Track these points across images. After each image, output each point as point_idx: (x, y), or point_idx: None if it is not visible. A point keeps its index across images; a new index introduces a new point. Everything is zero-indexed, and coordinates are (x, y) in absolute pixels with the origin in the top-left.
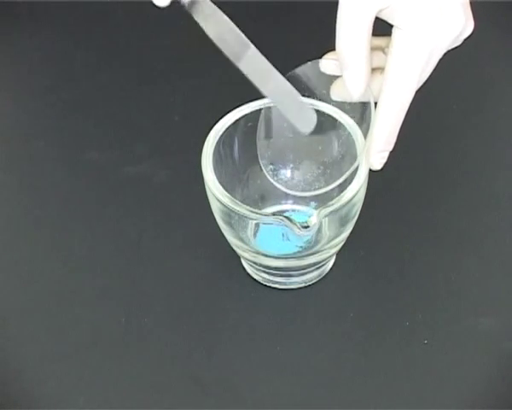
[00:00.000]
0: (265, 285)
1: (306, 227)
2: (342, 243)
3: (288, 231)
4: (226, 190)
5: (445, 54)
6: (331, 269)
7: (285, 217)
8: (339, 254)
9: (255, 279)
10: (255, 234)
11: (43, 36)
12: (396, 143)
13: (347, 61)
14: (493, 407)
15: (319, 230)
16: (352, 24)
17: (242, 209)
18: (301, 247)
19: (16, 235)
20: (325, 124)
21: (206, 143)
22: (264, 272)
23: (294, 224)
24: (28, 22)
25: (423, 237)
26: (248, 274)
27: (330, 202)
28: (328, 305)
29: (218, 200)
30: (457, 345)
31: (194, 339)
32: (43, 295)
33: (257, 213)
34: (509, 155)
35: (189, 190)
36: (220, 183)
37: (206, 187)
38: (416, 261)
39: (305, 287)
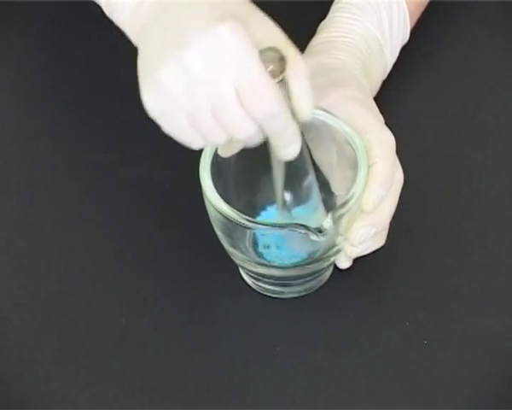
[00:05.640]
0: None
1: (321, 232)
2: (338, 251)
3: (299, 238)
4: (225, 198)
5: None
6: (331, 270)
7: (299, 224)
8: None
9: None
10: (253, 244)
11: (43, 36)
12: (396, 144)
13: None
14: (493, 406)
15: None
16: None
17: (253, 224)
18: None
19: (16, 235)
20: (323, 132)
21: (203, 156)
22: (263, 281)
23: (310, 230)
24: (28, 22)
25: (423, 237)
26: None
27: (340, 204)
28: (328, 305)
29: (221, 213)
30: (457, 345)
31: (194, 339)
32: (43, 295)
33: (270, 225)
34: (508, 156)
35: (188, 190)
36: (219, 193)
37: (206, 199)
38: (415, 261)
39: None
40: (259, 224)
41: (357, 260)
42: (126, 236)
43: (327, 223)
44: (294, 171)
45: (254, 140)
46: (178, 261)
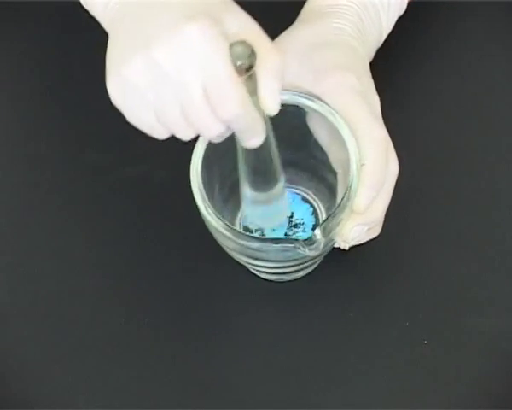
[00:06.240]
0: (266, 280)
1: (312, 244)
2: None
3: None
4: (218, 194)
5: None
6: (331, 269)
7: (289, 239)
8: (340, 253)
9: (257, 276)
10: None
11: (43, 36)
12: (396, 145)
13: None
14: (493, 407)
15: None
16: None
17: (244, 240)
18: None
19: (16, 235)
20: (315, 120)
21: (193, 157)
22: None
23: (300, 244)
24: (28, 22)
25: (423, 236)
26: (248, 274)
27: (328, 216)
28: (328, 305)
29: (213, 227)
30: (457, 345)
31: (194, 339)
32: (43, 295)
33: (262, 241)
34: (508, 155)
35: (188, 190)
36: (211, 191)
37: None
38: (416, 261)
39: (306, 287)
40: (247, 236)
41: (356, 261)
42: (126, 235)
43: (317, 236)
44: (259, 157)
45: (224, 136)
46: (178, 261)
